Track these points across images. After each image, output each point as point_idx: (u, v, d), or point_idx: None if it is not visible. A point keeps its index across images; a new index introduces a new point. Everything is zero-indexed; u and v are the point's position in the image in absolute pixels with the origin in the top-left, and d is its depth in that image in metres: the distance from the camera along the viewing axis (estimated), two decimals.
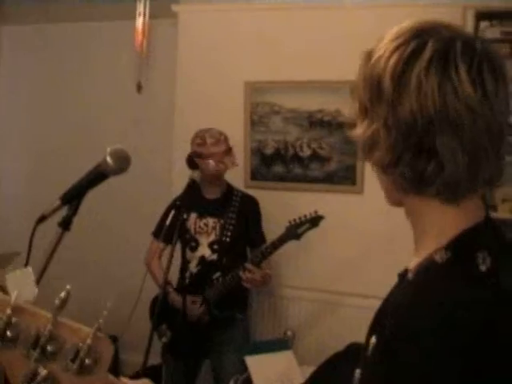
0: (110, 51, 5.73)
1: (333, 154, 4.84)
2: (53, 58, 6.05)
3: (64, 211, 2.15)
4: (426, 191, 1.19)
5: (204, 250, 4.40)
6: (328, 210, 4.43)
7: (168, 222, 3.83)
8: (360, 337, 4.21)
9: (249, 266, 4.17)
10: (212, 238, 4.40)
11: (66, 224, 2.12)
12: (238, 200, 4.46)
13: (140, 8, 5.32)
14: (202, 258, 4.40)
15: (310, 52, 4.87)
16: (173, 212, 3.87)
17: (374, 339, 1.18)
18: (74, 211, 2.13)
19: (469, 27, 4.43)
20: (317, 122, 4.85)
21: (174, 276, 4.34)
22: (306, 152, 4.91)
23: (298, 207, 4.44)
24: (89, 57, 5.86)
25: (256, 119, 5.02)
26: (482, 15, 4.40)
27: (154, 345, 3.61)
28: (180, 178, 4.65)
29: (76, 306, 1.70)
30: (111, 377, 1.12)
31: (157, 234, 4.44)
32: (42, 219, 2.17)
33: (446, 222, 1.20)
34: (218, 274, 4.34)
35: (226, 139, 4.34)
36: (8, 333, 1.02)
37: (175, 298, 4.28)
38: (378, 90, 1.17)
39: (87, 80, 5.87)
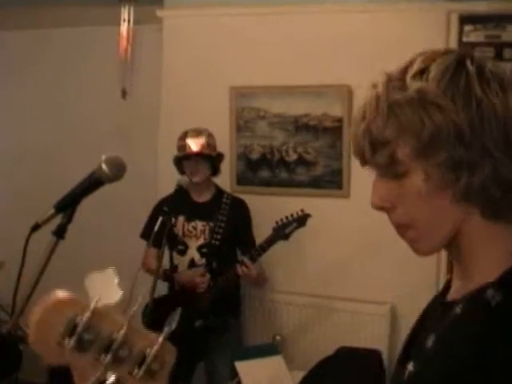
0: (94, 57, 5.69)
1: (319, 159, 4.84)
2: (37, 64, 6.01)
3: (58, 219, 2.15)
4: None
5: (193, 254, 4.41)
6: (315, 214, 4.44)
7: (156, 228, 3.81)
8: (350, 341, 4.24)
9: (246, 260, 4.16)
10: (201, 241, 4.41)
11: (60, 232, 2.11)
12: (227, 203, 4.46)
13: (124, 14, 5.32)
14: (192, 262, 4.39)
15: (295, 56, 4.88)
16: (160, 219, 3.86)
17: (411, 367, 1.16)
18: (68, 219, 2.11)
19: (453, 31, 4.47)
20: (302, 127, 4.86)
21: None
22: (292, 156, 4.91)
23: (285, 212, 4.43)
24: (73, 62, 5.82)
25: (242, 124, 5.01)
26: (465, 19, 4.43)
27: None
28: (166, 183, 4.65)
29: None
30: None
31: (146, 237, 4.41)
32: (36, 227, 2.16)
33: (498, 249, 1.15)
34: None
35: (210, 135, 4.39)
36: (85, 336, 1.02)
37: (182, 276, 4.31)
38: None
39: (71, 86, 5.82)
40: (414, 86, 1.11)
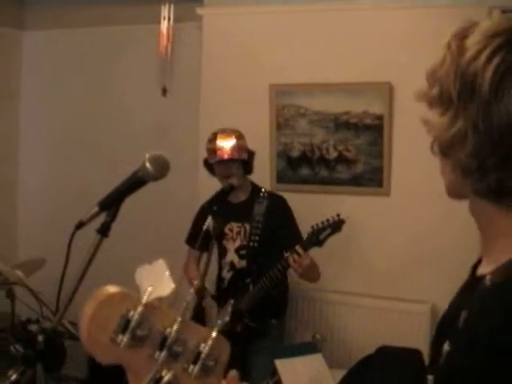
0: (134, 55, 5.73)
1: (359, 156, 4.82)
2: (76, 63, 6.07)
3: (102, 217, 2.16)
4: (504, 201, 1.15)
5: (232, 256, 4.36)
6: (355, 212, 4.41)
7: (205, 228, 3.78)
8: (390, 340, 4.19)
9: (299, 248, 3.98)
10: (237, 243, 4.34)
11: (104, 230, 2.12)
12: (264, 202, 4.34)
13: (164, 12, 5.33)
14: (232, 265, 4.36)
15: (335, 53, 4.86)
16: (210, 218, 3.81)
17: (447, 346, 1.14)
18: (112, 217, 2.12)
19: None
20: (343, 124, 4.83)
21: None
22: (333, 154, 4.89)
23: (325, 210, 4.41)
24: (114, 61, 5.86)
25: (282, 122, 5.00)
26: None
27: None
28: (206, 180, 4.66)
29: None
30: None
31: (190, 242, 4.40)
32: (80, 225, 2.17)
33: None
34: (248, 281, 4.25)
35: (239, 136, 4.28)
36: (139, 332, 0.99)
37: (207, 307, 4.26)
38: (472, 88, 1.11)
39: (112, 84, 5.87)
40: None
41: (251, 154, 4.37)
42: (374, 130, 4.74)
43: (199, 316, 4.08)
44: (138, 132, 5.68)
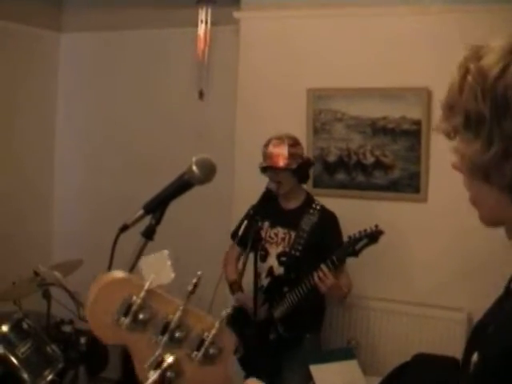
0: (172, 58, 5.75)
1: (396, 162, 4.79)
2: (113, 66, 6.11)
3: (147, 220, 2.16)
4: None
5: (272, 261, 4.31)
6: (392, 217, 4.39)
7: (241, 231, 3.79)
8: (426, 347, 4.16)
9: (323, 267, 3.94)
10: (280, 249, 4.30)
11: (149, 233, 2.12)
12: (315, 213, 4.27)
13: (202, 15, 5.35)
14: (271, 270, 4.30)
15: (373, 58, 4.84)
16: (246, 222, 3.83)
17: (476, 357, 1.14)
18: (157, 221, 2.12)
19: None
20: (380, 130, 4.81)
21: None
22: (370, 159, 4.86)
23: (361, 215, 4.39)
24: (151, 64, 5.89)
25: (318, 126, 4.99)
26: None
27: None
28: (243, 183, 4.65)
29: None
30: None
31: (234, 237, 4.38)
32: (124, 228, 2.17)
33: None
34: (286, 289, 4.18)
35: (293, 145, 4.20)
36: (140, 316, 1.04)
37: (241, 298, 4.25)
38: (505, 104, 1.10)
39: (149, 88, 5.89)
40: None
41: (306, 163, 4.30)
42: (412, 136, 4.71)
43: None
44: (174, 135, 5.70)
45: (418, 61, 4.70)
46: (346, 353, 4.11)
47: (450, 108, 1.19)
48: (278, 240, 4.32)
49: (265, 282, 4.30)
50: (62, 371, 3.77)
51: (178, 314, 1.05)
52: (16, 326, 3.93)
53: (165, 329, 1.05)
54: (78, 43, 6.26)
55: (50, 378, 3.78)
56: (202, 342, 1.06)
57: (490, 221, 1.24)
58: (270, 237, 4.32)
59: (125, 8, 5.89)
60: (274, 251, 4.32)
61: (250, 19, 5.29)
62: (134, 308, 1.04)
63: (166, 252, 1.10)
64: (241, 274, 3.73)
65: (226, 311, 1.09)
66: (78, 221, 6.23)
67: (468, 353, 1.20)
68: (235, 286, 4.29)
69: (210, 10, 5.37)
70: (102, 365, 4.11)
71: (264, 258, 4.32)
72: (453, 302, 4.66)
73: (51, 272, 4.12)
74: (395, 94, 4.78)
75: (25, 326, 3.97)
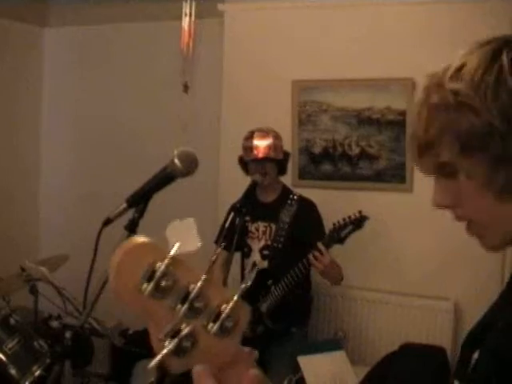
0: (156, 51, 5.73)
1: (382, 152, 4.80)
2: (98, 60, 6.09)
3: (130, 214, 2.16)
4: None
5: (256, 256, 4.30)
6: (378, 208, 4.40)
7: (227, 224, 3.67)
8: (412, 337, 4.18)
9: (320, 245, 3.90)
10: (262, 243, 4.29)
11: (132, 227, 2.12)
12: (293, 204, 4.27)
13: (186, 8, 5.33)
14: (254, 265, 4.28)
15: (358, 49, 4.84)
16: (232, 214, 3.72)
17: (476, 355, 1.14)
18: (140, 214, 2.12)
19: None
20: (365, 120, 4.82)
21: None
22: (355, 150, 4.87)
23: (347, 206, 4.39)
24: (135, 58, 5.87)
25: (304, 118, 4.99)
26: None
27: None
28: (228, 176, 4.65)
29: None
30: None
31: (217, 241, 4.31)
32: (107, 222, 2.18)
33: None
34: (270, 282, 4.14)
35: (276, 137, 4.20)
36: (163, 283, 1.02)
37: None
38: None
39: (134, 80, 5.88)
40: (450, 87, 1.13)
41: (286, 155, 4.31)
42: (397, 126, 4.72)
43: None
44: (159, 128, 5.69)
45: (403, 51, 4.71)
46: (333, 344, 4.12)
47: (435, 142, 1.17)
48: (259, 234, 4.31)
49: (249, 277, 4.27)
50: (51, 366, 3.76)
51: (200, 283, 1.04)
52: (3, 322, 3.91)
53: (185, 298, 1.03)
54: (62, 38, 6.24)
55: (37, 373, 3.77)
56: (219, 314, 1.05)
57: (480, 222, 1.21)
58: (251, 232, 4.31)
59: (109, 2, 5.87)
60: (256, 246, 4.31)
61: (235, 12, 5.28)
62: (158, 275, 1.01)
63: (191, 220, 1.09)
64: (226, 271, 3.69)
65: (245, 284, 1.09)
66: (63, 216, 6.22)
67: (467, 349, 1.19)
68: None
69: (194, 3, 5.34)
70: (87, 359, 4.10)
71: (248, 254, 4.31)
72: (439, 292, 4.68)
73: (38, 267, 4.10)
74: (380, 85, 4.78)
75: (12, 321, 3.95)
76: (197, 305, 1.04)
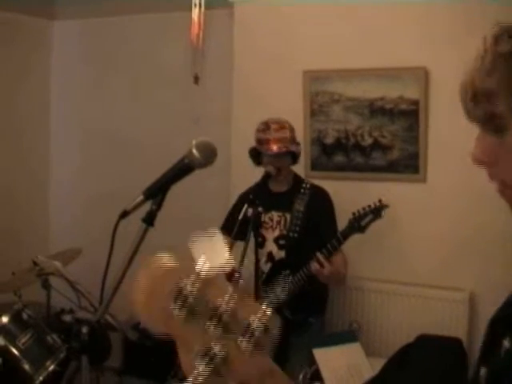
0: (166, 43, 5.70)
1: (395, 142, 4.75)
2: (107, 52, 6.06)
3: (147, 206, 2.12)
4: None
5: (271, 246, 4.27)
6: (391, 198, 4.35)
7: (241, 215, 3.69)
8: (428, 328, 4.13)
9: (319, 256, 3.92)
10: (277, 233, 4.27)
11: (150, 219, 2.09)
12: (306, 193, 4.26)
13: None
14: (270, 255, 4.28)
15: (370, 39, 4.78)
16: (246, 206, 3.72)
17: (507, 343, 1.10)
18: (158, 206, 2.09)
19: None
20: (378, 110, 4.76)
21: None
22: (368, 141, 4.82)
23: (360, 197, 4.36)
24: (145, 50, 5.85)
25: (316, 108, 4.95)
26: None
27: None
28: (240, 167, 4.61)
29: None
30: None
31: (224, 230, 4.26)
32: (124, 214, 2.14)
33: None
34: (287, 272, 4.12)
35: (291, 129, 4.18)
36: (194, 304, 0.97)
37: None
38: None
39: (144, 73, 5.86)
40: None
41: (298, 146, 4.29)
42: (410, 116, 4.67)
43: None
44: (170, 120, 5.67)
45: (416, 41, 4.66)
46: (348, 336, 4.10)
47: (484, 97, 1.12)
48: (273, 224, 4.29)
49: (265, 267, 4.26)
50: (64, 361, 3.74)
51: (230, 300, 0.99)
52: (16, 317, 3.89)
53: (213, 316, 0.99)
54: (70, 30, 6.22)
55: (51, 368, 3.75)
56: (248, 327, 1.00)
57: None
58: (265, 222, 4.27)
59: None
60: (270, 236, 4.28)
61: (245, 2, 5.24)
62: (190, 300, 0.97)
63: (219, 234, 1.03)
64: (240, 262, 3.66)
65: (274, 295, 1.03)
66: (75, 209, 6.20)
67: (495, 336, 1.16)
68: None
69: None
70: (105, 354, 4.08)
71: (261, 245, 4.27)
72: (454, 282, 4.64)
73: (50, 261, 4.09)
74: (392, 74, 4.72)
75: (25, 316, 3.93)
76: (226, 321, 1.00)
